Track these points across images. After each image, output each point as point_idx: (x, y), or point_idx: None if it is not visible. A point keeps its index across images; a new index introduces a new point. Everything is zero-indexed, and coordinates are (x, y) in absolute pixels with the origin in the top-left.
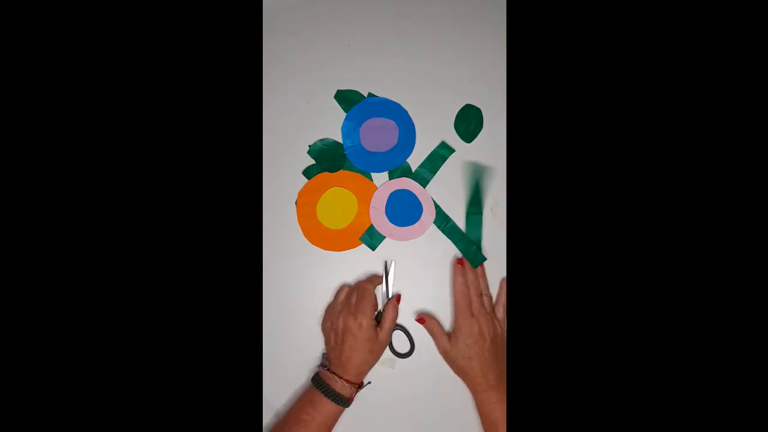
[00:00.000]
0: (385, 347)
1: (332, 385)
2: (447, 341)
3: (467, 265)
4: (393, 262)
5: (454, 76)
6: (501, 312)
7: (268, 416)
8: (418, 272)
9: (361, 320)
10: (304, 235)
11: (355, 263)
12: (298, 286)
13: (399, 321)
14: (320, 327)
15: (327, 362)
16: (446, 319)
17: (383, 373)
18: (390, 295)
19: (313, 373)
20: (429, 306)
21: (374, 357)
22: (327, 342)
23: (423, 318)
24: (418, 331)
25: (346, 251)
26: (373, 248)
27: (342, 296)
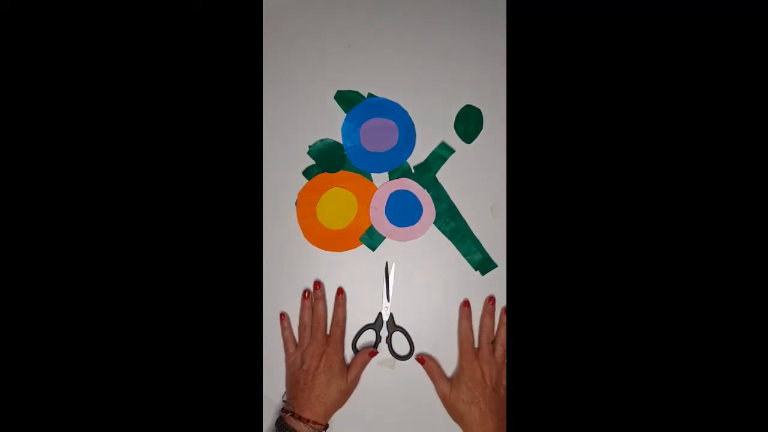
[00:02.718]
0: (353, 389)
1: (298, 429)
2: (447, 384)
3: (487, 308)
4: (393, 264)
5: (454, 76)
6: (500, 352)
7: (268, 412)
8: (418, 273)
9: (333, 357)
10: (304, 235)
11: (355, 264)
12: (298, 286)
13: (399, 323)
14: (286, 370)
15: (290, 406)
16: (446, 319)
17: (383, 373)
18: (390, 297)
19: (277, 417)
20: (428, 307)
21: (343, 397)
22: (294, 383)
23: (423, 359)
24: (418, 334)
25: (346, 251)
26: (373, 249)
27: (307, 334)
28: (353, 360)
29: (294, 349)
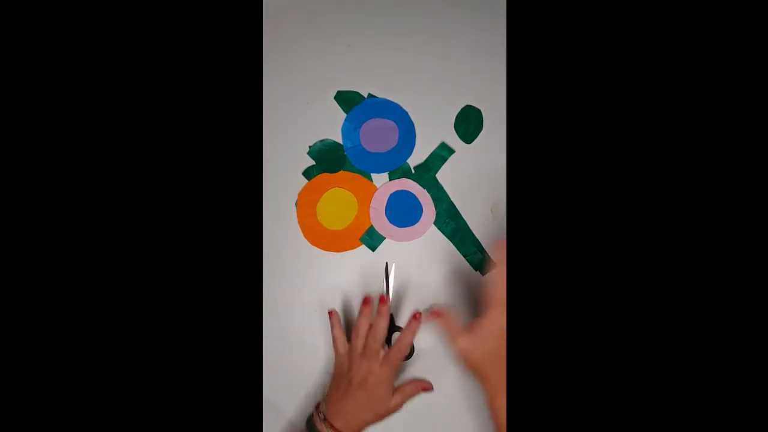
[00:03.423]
0: (392, 413)
1: None
2: (467, 338)
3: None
4: (393, 264)
5: (454, 76)
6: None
7: (267, 414)
8: (419, 273)
9: (381, 377)
10: (304, 235)
11: (355, 264)
12: (298, 286)
13: (399, 323)
14: (333, 369)
15: (324, 408)
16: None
17: None
18: (390, 297)
19: (309, 415)
20: (428, 307)
21: (379, 420)
22: (335, 388)
23: (438, 312)
24: (419, 334)
25: (346, 252)
26: (373, 249)
27: (359, 339)
28: (403, 387)
29: (344, 351)
